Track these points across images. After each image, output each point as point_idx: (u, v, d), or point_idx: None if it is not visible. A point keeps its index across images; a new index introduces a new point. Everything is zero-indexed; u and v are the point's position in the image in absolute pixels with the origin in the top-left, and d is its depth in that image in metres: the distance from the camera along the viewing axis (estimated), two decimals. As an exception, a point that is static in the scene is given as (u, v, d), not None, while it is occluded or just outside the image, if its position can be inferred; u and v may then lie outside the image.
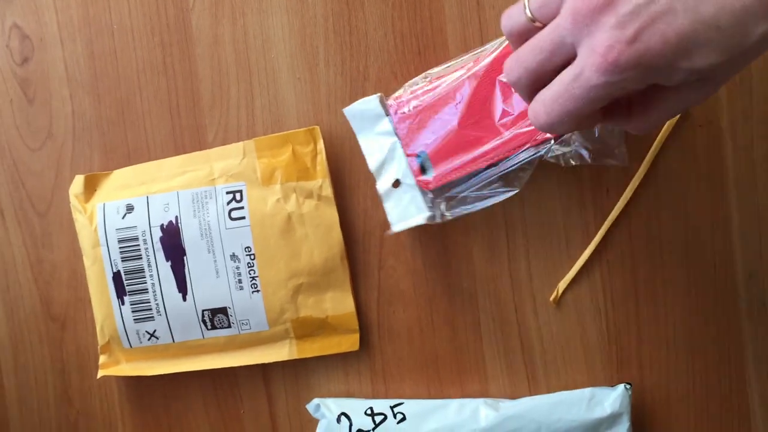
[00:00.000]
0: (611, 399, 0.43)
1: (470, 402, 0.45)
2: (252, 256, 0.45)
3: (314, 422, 0.47)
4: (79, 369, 0.48)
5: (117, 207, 0.45)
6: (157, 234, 0.45)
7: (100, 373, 0.47)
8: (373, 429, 0.45)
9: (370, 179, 0.46)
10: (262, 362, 0.46)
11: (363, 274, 0.46)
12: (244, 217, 0.45)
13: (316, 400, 0.46)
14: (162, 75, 0.47)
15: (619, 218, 0.45)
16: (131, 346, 0.46)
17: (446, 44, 0.46)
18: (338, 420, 0.45)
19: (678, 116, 0.44)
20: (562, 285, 0.45)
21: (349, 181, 0.46)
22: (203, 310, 0.45)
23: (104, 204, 0.46)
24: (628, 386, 0.43)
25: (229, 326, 0.45)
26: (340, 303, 0.45)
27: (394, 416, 0.45)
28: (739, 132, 0.45)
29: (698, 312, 0.45)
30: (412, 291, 0.46)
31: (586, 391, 0.44)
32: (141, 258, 0.45)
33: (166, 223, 0.45)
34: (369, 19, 0.46)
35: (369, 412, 0.45)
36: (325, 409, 0.45)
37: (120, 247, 0.45)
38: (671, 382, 0.45)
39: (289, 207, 0.45)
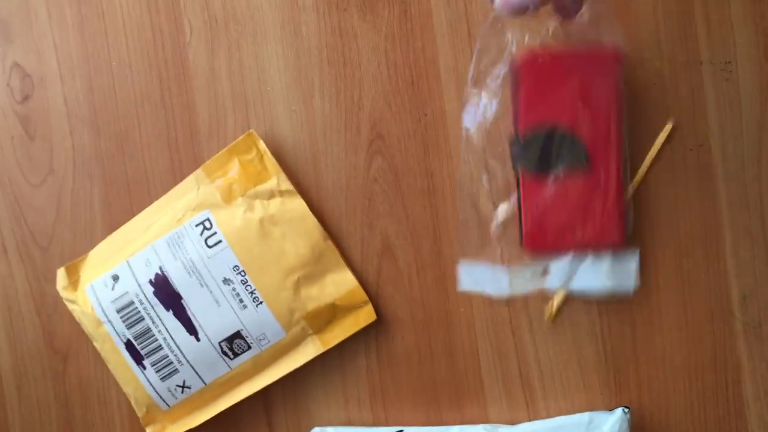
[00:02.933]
0: (610, 423, 0.43)
1: (470, 428, 0.45)
2: (243, 273, 0.45)
3: (316, 450, 0.47)
4: (82, 401, 0.49)
5: (104, 281, 0.46)
6: (149, 290, 0.45)
7: None
8: (374, 456, 0.45)
9: (366, 209, 0.47)
10: (293, 369, 0.46)
11: (361, 303, 0.47)
12: (220, 241, 0.45)
13: (316, 429, 0.46)
14: (160, 108, 0.48)
15: (614, 242, 0.45)
16: (169, 406, 0.46)
17: (439, 74, 0.46)
18: (339, 448, 0.45)
19: (666, 135, 0.45)
20: (557, 299, 0.45)
21: (345, 220, 0.47)
22: (219, 342, 0.45)
23: (92, 284, 0.46)
24: (626, 410, 0.44)
25: (249, 348, 0.45)
26: (341, 282, 0.46)
27: (395, 443, 0.45)
28: (730, 155, 0.45)
29: (694, 333, 0.46)
30: (410, 318, 0.47)
31: (585, 416, 0.44)
32: (144, 319, 0.45)
33: (153, 277, 0.45)
34: (362, 50, 0.47)
35: (370, 439, 0.45)
36: (326, 437, 0.46)
37: (121, 317, 0.45)
38: (669, 403, 0.46)
39: (257, 213, 0.45)
